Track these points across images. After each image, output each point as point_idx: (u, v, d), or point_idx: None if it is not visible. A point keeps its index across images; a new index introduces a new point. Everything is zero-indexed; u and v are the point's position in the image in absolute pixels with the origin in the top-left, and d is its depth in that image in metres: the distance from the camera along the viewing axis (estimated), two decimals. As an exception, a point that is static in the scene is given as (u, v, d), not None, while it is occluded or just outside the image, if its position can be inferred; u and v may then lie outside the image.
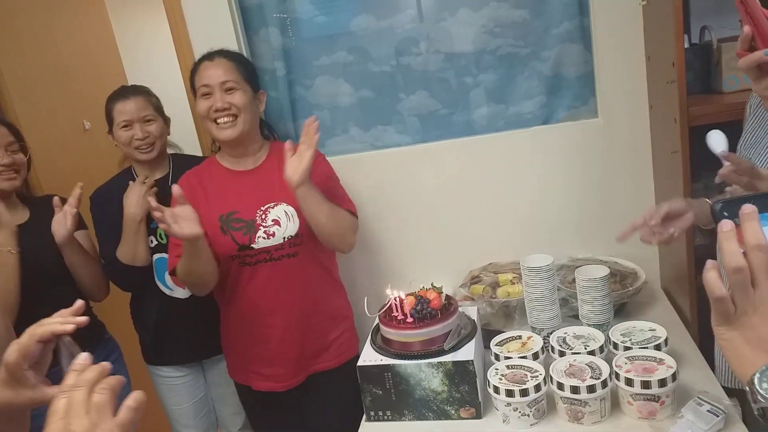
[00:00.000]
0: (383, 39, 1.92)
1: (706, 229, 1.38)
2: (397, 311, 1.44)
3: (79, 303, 0.89)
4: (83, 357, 0.75)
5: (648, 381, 1.22)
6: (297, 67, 1.98)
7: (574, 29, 1.82)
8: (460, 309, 1.52)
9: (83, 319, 0.86)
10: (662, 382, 1.21)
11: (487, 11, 1.84)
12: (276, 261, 1.68)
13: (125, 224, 1.76)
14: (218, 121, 1.65)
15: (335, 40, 1.94)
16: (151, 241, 1.81)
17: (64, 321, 0.85)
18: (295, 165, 1.55)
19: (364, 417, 1.43)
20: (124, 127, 1.81)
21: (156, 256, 1.83)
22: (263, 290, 1.69)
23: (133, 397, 0.71)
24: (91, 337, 1.85)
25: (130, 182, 1.80)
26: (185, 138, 2.09)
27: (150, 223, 1.81)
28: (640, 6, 1.70)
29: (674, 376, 1.23)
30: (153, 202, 1.47)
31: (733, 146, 1.32)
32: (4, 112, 2.19)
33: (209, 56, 1.70)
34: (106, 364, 0.74)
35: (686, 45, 1.66)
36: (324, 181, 1.72)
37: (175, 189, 1.50)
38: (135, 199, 1.76)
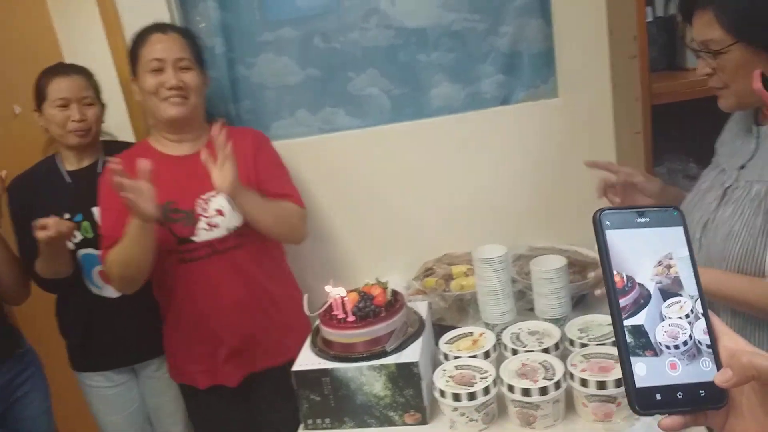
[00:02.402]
0: (330, 13, 1.78)
1: None
2: (337, 310, 1.32)
3: None
4: None
5: (604, 381, 1.13)
6: (238, 43, 1.84)
7: (533, 1, 1.71)
8: (408, 305, 1.41)
9: None
10: (618, 383, 1.13)
11: (439, -19, 1.72)
12: (221, 254, 1.56)
13: (41, 247, 1.57)
14: (168, 98, 1.52)
15: (279, 14, 1.80)
16: (75, 236, 1.67)
17: None
18: (222, 176, 1.44)
19: (301, 426, 1.31)
20: (60, 106, 1.66)
21: (82, 251, 1.69)
22: (208, 285, 1.58)
23: None
24: (2, 353, 1.70)
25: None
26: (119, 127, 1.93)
27: (73, 217, 1.66)
28: (601, -24, 1.58)
29: (632, 376, 1.13)
30: (115, 165, 1.34)
31: (709, 136, 1.27)
32: None
33: (161, 28, 1.57)
34: None
35: (649, 18, 1.55)
36: (268, 167, 1.61)
37: (144, 163, 1.37)
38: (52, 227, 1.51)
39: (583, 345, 1.27)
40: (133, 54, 1.58)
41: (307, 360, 1.30)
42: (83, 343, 1.78)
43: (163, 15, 1.74)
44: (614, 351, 1.20)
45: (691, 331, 0.55)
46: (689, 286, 0.57)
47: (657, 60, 1.55)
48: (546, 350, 1.27)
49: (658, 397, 0.54)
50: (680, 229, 0.59)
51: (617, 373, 1.14)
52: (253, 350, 1.64)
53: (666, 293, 0.57)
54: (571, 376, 1.17)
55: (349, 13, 1.78)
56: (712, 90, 1.10)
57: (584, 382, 1.14)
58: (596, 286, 1.58)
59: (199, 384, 1.68)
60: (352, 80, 1.84)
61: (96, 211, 1.65)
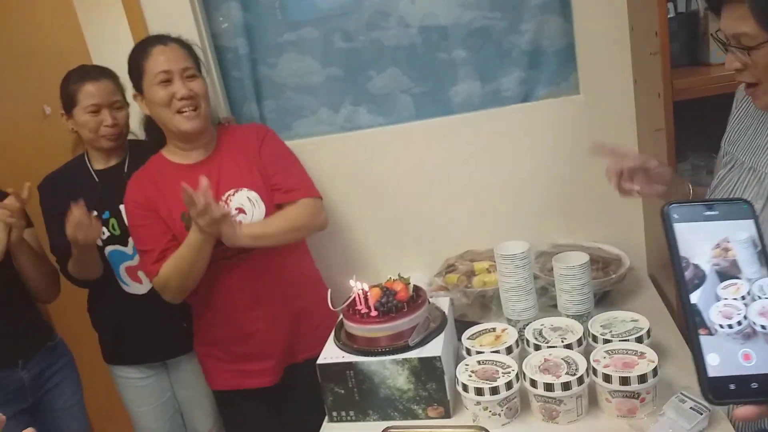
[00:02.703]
0: (351, 12, 1.80)
1: None
2: (360, 304, 1.34)
3: None
4: None
5: (627, 377, 1.13)
6: (260, 44, 1.86)
7: (553, -1, 1.71)
8: (430, 300, 1.42)
9: None
10: (642, 378, 1.13)
11: (459, -20, 1.72)
12: (248, 252, 1.58)
13: (73, 249, 1.62)
14: (182, 110, 1.54)
15: (299, 14, 1.82)
16: (103, 233, 1.70)
17: None
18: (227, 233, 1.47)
19: (326, 418, 1.33)
20: (92, 112, 1.69)
21: (109, 248, 1.72)
22: (242, 283, 1.61)
23: None
24: (34, 345, 1.75)
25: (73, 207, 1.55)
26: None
27: (101, 214, 1.70)
28: (622, -27, 1.58)
29: (655, 372, 1.14)
30: (204, 182, 1.39)
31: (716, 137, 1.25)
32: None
33: (160, 40, 1.58)
34: None
35: (671, 14, 1.54)
36: (274, 160, 1.62)
37: (204, 180, 1.40)
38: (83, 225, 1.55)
39: (606, 341, 1.27)
40: (136, 69, 1.57)
41: (331, 353, 1.32)
42: (114, 339, 1.82)
43: (187, 16, 1.77)
44: (637, 347, 1.21)
45: (746, 312, 0.56)
46: (748, 269, 0.58)
47: (679, 56, 1.52)
48: (569, 346, 1.27)
49: (732, 387, 0.55)
50: (751, 222, 0.59)
51: (640, 368, 1.14)
52: (285, 347, 1.66)
53: (723, 275, 0.58)
54: (594, 371, 1.17)
55: (369, 12, 1.80)
56: (739, 85, 1.06)
57: (607, 378, 1.15)
58: (618, 282, 1.58)
59: (235, 384, 1.70)
60: (373, 79, 1.85)
61: (122, 208, 1.68)
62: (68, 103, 1.72)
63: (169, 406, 1.91)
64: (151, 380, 1.86)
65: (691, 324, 0.57)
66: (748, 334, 0.56)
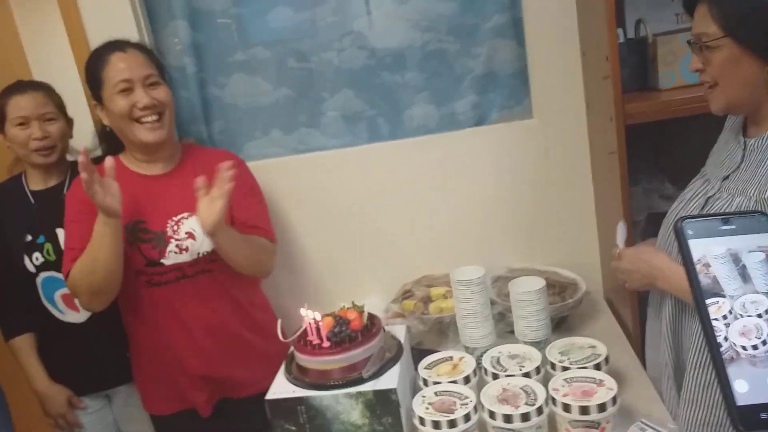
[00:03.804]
0: (303, 33, 1.77)
1: None
2: (312, 335, 1.28)
3: None
4: None
5: (587, 406, 1.10)
6: (209, 63, 1.80)
7: (506, 23, 1.71)
8: (385, 329, 1.37)
9: None
10: (602, 407, 1.10)
11: (414, 3, 1.71)
12: (190, 278, 1.51)
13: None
14: (143, 120, 1.46)
15: (250, 34, 1.78)
16: (36, 258, 1.60)
17: None
18: (208, 211, 1.37)
19: (276, 457, 1.26)
20: (20, 125, 1.61)
21: (43, 274, 1.62)
22: (177, 310, 1.52)
23: None
24: None
25: None
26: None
27: (35, 239, 1.59)
28: (573, -2, 1.60)
29: (614, 400, 1.11)
30: (82, 157, 1.27)
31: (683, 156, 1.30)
32: None
33: (118, 46, 1.49)
34: None
35: (621, 39, 1.56)
36: (245, 195, 1.56)
37: (109, 160, 1.33)
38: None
39: (565, 368, 1.24)
40: (94, 78, 1.49)
41: (281, 388, 1.25)
42: (53, 368, 1.70)
43: (131, 33, 1.70)
44: (596, 374, 1.18)
45: (726, 333, 0.53)
46: (729, 286, 0.54)
47: (629, 81, 1.55)
48: (527, 374, 1.24)
49: (764, 416, 0.50)
50: None
51: (600, 397, 1.11)
52: (223, 378, 1.58)
53: (707, 293, 0.55)
54: (553, 400, 1.14)
55: (323, 33, 1.77)
56: (701, 95, 1.10)
57: (567, 407, 1.11)
58: (575, 307, 1.57)
59: (164, 410, 1.62)
60: (327, 100, 1.81)
61: (60, 232, 1.58)
62: (0, 118, 1.63)
63: None
64: (93, 416, 1.75)
65: (714, 348, 0.53)
66: (731, 357, 0.52)
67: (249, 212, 1.56)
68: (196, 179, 1.39)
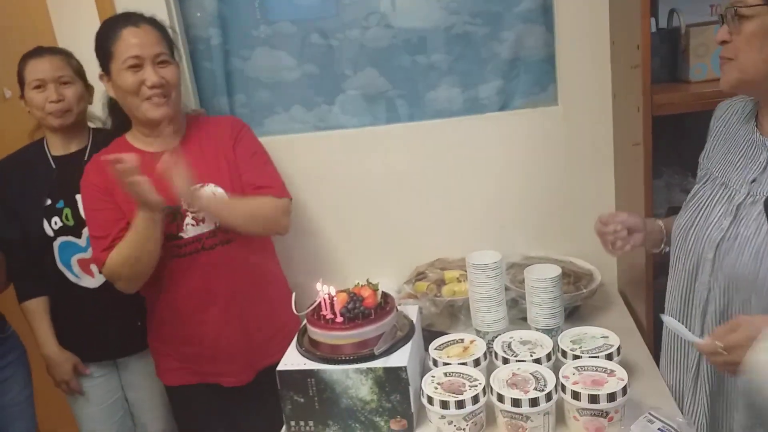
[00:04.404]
0: (329, 9, 1.76)
1: (655, 252, 1.33)
2: (326, 310, 1.29)
3: None
4: None
5: (596, 395, 1.10)
6: (234, 36, 1.80)
7: (536, 8, 1.69)
8: (398, 308, 1.37)
9: None
10: (611, 396, 1.09)
11: (443, -16, 1.70)
12: (209, 250, 1.52)
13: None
14: (151, 97, 1.46)
15: (277, 7, 1.77)
16: (55, 223, 1.62)
17: None
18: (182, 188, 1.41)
19: (284, 428, 1.27)
20: (37, 87, 1.62)
21: (61, 239, 1.64)
22: (199, 282, 1.53)
23: None
24: None
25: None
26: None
27: (55, 203, 1.61)
28: (606, -15, 1.57)
29: (624, 390, 1.11)
30: (130, 159, 1.31)
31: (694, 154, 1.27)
32: None
33: (132, 20, 1.48)
34: None
35: (652, 29, 1.53)
36: (247, 156, 1.57)
37: (133, 158, 1.33)
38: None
39: (576, 357, 1.24)
40: (104, 50, 1.48)
41: (292, 360, 1.26)
42: (62, 334, 1.72)
43: (159, 3, 1.70)
44: (606, 364, 1.18)
45: None
46: None
47: (658, 71, 1.52)
48: (537, 360, 1.24)
49: None
50: None
51: (610, 386, 1.11)
52: (244, 349, 1.59)
53: None
54: (563, 388, 1.13)
55: (349, 11, 1.76)
56: (718, 103, 1.07)
57: (576, 395, 1.11)
58: (589, 297, 1.56)
59: (182, 380, 1.63)
60: (350, 78, 1.81)
61: (79, 198, 1.60)
62: (20, 83, 1.65)
63: (118, 408, 1.82)
64: (99, 380, 1.77)
65: None
66: None
67: (256, 172, 1.57)
68: (158, 164, 1.40)
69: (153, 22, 1.52)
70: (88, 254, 1.63)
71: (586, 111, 1.69)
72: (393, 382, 1.20)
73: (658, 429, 1.07)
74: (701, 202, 1.14)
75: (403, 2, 1.73)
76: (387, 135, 1.80)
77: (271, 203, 1.56)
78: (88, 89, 1.71)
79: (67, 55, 1.68)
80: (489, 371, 1.22)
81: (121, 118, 1.59)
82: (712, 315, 1.11)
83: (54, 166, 1.67)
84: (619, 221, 1.27)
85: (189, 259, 1.51)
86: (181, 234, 1.50)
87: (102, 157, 1.33)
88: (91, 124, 1.76)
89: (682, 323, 1.15)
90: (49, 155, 1.69)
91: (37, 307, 1.70)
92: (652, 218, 1.35)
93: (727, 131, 1.17)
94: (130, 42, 1.45)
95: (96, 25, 1.73)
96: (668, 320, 1.09)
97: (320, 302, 1.29)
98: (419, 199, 1.81)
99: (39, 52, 1.65)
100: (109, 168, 1.33)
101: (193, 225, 1.50)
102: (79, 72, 1.69)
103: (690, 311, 1.17)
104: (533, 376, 1.17)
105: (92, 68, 1.71)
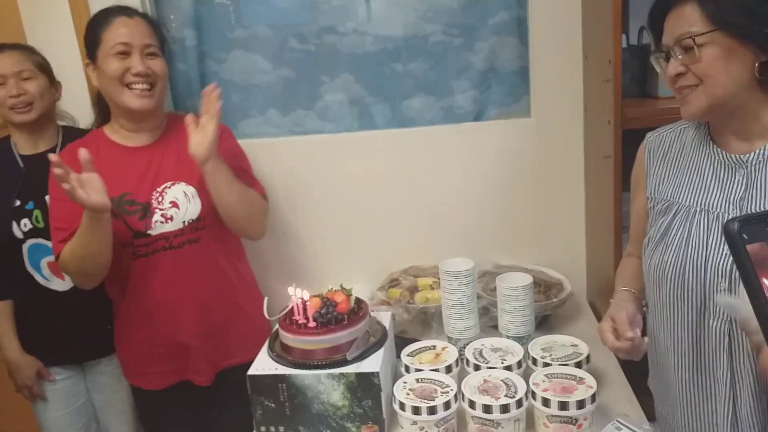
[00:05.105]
0: (307, 14, 1.75)
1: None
2: (299, 314, 1.28)
3: None
4: None
5: (566, 401, 1.11)
6: (209, 37, 1.79)
7: (511, 20, 1.72)
8: (371, 314, 1.37)
9: None
10: (581, 404, 1.11)
11: (420, -7, 1.71)
12: (176, 249, 1.49)
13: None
14: (133, 86, 1.44)
15: (254, 10, 1.76)
16: (24, 225, 1.58)
17: None
18: (200, 139, 1.40)
19: (253, 432, 1.26)
20: None
21: (30, 241, 1.60)
22: (164, 282, 1.50)
23: None
24: None
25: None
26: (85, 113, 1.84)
27: (24, 204, 1.57)
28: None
29: (593, 397, 1.13)
30: (54, 158, 1.25)
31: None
32: None
33: (125, 11, 1.49)
34: None
35: (624, 45, 1.57)
36: (229, 159, 1.55)
37: (83, 153, 1.30)
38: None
39: (546, 364, 1.26)
40: (92, 36, 1.47)
41: (263, 365, 1.25)
42: (29, 337, 1.67)
43: (134, 4, 1.68)
44: (576, 372, 1.19)
45: None
46: None
47: (629, 86, 1.57)
48: (508, 368, 1.25)
49: None
50: None
51: (579, 394, 1.13)
52: (210, 349, 1.57)
53: None
54: (533, 394, 1.15)
55: (327, 16, 1.76)
56: (680, 94, 1.05)
57: (546, 402, 1.13)
58: (559, 306, 1.58)
59: (151, 385, 1.60)
60: (326, 84, 1.81)
61: (48, 199, 1.56)
62: None
63: (83, 412, 1.77)
64: (65, 383, 1.72)
65: None
66: None
67: (240, 174, 1.55)
68: (186, 116, 1.40)
69: (145, 17, 1.53)
70: (58, 257, 1.59)
71: (558, 123, 1.72)
72: (365, 387, 1.19)
73: (626, 435, 1.09)
74: (684, 236, 1.07)
75: (380, 10, 1.75)
76: (363, 142, 1.80)
77: (259, 199, 1.57)
78: (54, 85, 1.67)
79: (28, 50, 1.64)
80: (460, 378, 1.22)
81: (105, 114, 1.56)
82: (740, 350, 1.02)
83: (22, 166, 1.63)
84: (630, 322, 1.12)
85: (156, 257, 1.49)
86: (149, 231, 1.47)
87: (50, 157, 1.28)
88: (60, 122, 1.72)
89: (700, 371, 1.06)
90: (17, 155, 1.64)
91: (2, 311, 1.65)
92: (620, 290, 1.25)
93: (678, 159, 1.14)
94: (121, 30, 1.45)
95: (68, 21, 1.70)
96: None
97: (293, 307, 1.28)
98: (394, 206, 1.82)
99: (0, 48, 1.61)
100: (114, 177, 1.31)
101: (161, 222, 1.47)
102: (43, 67, 1.65)
103: (707, 354, 1.06)
104: (504, 383, 1.18)
105: (63, 64, 1.70)
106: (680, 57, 1.01)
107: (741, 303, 0.80)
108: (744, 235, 0.51)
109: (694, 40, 0.98)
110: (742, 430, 1.05)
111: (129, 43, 1.44)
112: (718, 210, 1.05)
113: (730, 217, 0.81)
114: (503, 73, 1.78)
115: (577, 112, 1.70)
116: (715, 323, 1.04)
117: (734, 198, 1.04)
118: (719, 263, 1.02)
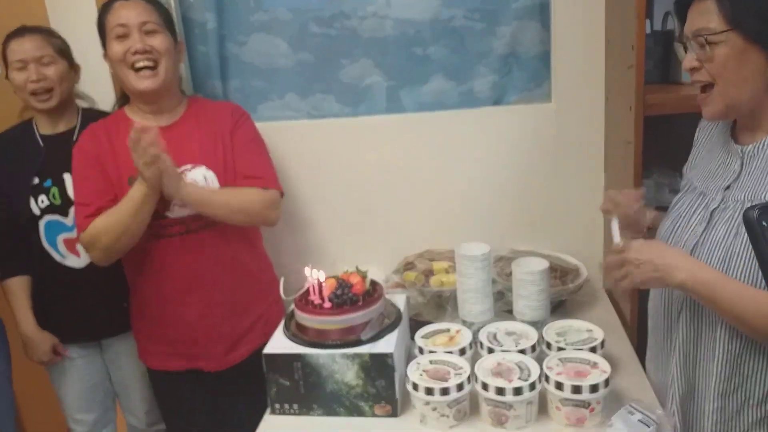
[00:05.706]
0: (328, 2, 1.75)
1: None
2: (314, 295, 1.29)
3: None
4: None
5: (579, 386, 1.11)
6: (230, 20, 1.80)
7: (533, 5, 1.70)
8: (386, 296, 1.38)
9: None
10: (594, 388, 1.11)
11: (442, -24, 1.70)
12: (194, 233, 1.51)
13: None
14: (137, 66, 1.46)
15: (274, 1, 1.76)
16: (42, 201, 1.61)
17: None
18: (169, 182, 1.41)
19: (268, 410, 1.28)
20: (19, 69, 1.60)
21: (47, 217, 1.63)
22: (182, 265, 1.52)
23: None
24: None
25: None
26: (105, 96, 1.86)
27: (42, 182, 1.60)
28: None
29: (607, 382, 1.13)
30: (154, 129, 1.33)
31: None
32: None
33: None
34: None
35: (648, 31, 1.55)
36: (243, 144, 1.56)
37: (154, 130, 1.34)
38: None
39: (560, 349, 1.26)
40: (100, 27, 1.51)
41: (279, 344, 1.27)
42: (45, 313, 1.71)
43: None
44: (590, 357, 1.19)
45: None
46: None
47: (652, 72, 1.54)
48: (522, 351, 1.25)
49: None
50: None
51: (593, 378, 1.13)
52: (224, 333, 1.59)
53: None
54: (546, 378, 1.15)
55: (346, 1, 1.75)
56: (697, 90, 1.06)
57: (559, 386, 1.13)
58: (575, 292, 1.58)
59: (163, 366, 1.62)
60: (345, 68, 1.81)
61: (68, 177, 1.59)
62: (4, 63, 1.64)
63: (100, 389, 1.81)
64: (81, 360, 1.76)
65: None
66: None
67: (248, 162, 1.56)
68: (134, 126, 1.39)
69: None
70: (74, 234, 1.61)
71: (579, 108, 1.70)
72: (379, 368, 1.21)
73: (638, 420, 1.09)
74: (681, 211, 1.15)
75: (401, -7, 1.74)
76: (381, 125, 1.80)
77: (256, 196, 1.54)
78: (74, 68, 1.70)
79: (48, 34, 1.66)
80: (474, 361, 1.23)
81: (126, 96, 1.59)
82: (685, 315, 1.11)
83: (42, 145, 1.66)
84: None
85: (173, 241, 1.51)
86: (167, 213, 1.49)
87: (134, 125, 1.32)
88: (81, 103, 1.75)
89: (662, 323, 1.18)
90: (37, 134, 1.67)
91: (19, 286, 1.69)
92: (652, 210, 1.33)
93: (709, 141, 1.18)
94: (119, 13, 1.47)
95: (92, 9, 1.72)
96: (613, 223, 1.21)
97: (309, 287, 1.30)
98: (410, 190, 1.82)
99: (20, 32, 1.64)
100: (132, 136, 1.32)
101: (180, 206, 1.49)
102: (62, 51, 1.67)
103: (669, 312, 1.17)
104: (518, 366, 1.19)
105: (84, 47, 1.71)
106: (695, 52, 1.02)
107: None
108: (764, 222, 0.52)
109: (706, 39, 0.98)
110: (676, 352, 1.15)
111: (126, 23, 1.45)
112: (709, 194, 1.10)
113: (750, 205, 0.82)
114: (524, 58, 1.76)
115: (599, 97, 1.68)
116: (675, 290, 1.12)
117: (723, 185, 1.08)
118: (688, 241, 1.09)
